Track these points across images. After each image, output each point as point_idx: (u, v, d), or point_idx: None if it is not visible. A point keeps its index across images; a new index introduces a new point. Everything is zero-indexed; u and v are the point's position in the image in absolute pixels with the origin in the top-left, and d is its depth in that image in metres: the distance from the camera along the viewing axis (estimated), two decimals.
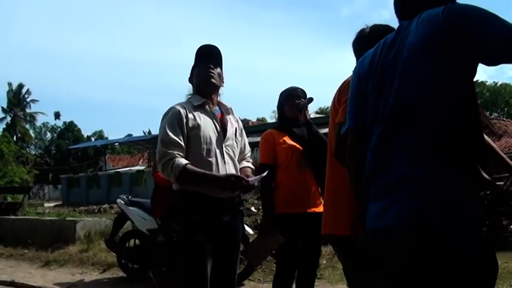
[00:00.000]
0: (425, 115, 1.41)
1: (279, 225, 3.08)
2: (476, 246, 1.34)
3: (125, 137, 45.34)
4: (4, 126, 48.97)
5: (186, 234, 2.48)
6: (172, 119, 2.55)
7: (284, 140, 3.23)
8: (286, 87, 3.48)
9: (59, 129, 57.25)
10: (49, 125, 57.72)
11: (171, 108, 2.62)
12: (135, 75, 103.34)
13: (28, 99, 52.41)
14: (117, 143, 42.60)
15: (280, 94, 3.43)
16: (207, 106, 2.65)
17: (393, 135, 1.47)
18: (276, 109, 3.48)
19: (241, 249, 2.77)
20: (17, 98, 51.80)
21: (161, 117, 2.66)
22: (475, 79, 1.50)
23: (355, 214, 1.86)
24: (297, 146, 3.22)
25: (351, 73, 2.09)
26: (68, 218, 9.55)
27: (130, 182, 26.10)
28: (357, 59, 2.04)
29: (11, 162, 33.22)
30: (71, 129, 56.16)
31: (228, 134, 2.65)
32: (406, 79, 1.47)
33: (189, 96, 2.78)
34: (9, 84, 52.14)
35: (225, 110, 2.75)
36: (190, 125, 2.53)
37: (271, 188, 3.14)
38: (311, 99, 3.26)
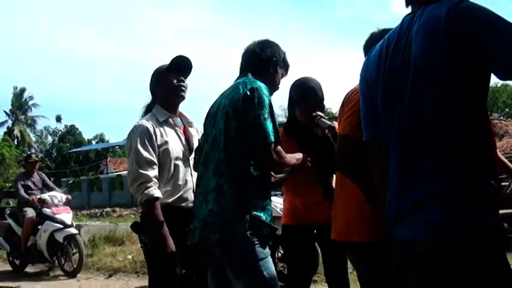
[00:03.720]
0: (441, 134, 1.39)
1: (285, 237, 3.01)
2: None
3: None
4: (5, 130, 49.05)
5: (152, 245, 2.49)
6: (143, 136, 2.54)
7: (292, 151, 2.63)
8: (299, 77, 2.91)
9: (60, 132, 57.22)
10: (50, 129, 57.73)
11: (138, 125, 2.59)
12: (135, 77, 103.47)
13: (30, 103, 52.54)
14: (118, 146, 42.69)
15: (294, 90, 2.88)
16: (171, 120, 2.68)
17: (413, 155, 1.45)
18: (287, 108, 2.97)
19: None
20: (19, 101, 51.90)
21: (128, 133, 2.63)
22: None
23: (366, 222, 1.95)
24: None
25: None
26: None
27: None
28: None
29: (12, 166, 33.31)
30: (72, 133, 56.09)
31: (193, 147, 2.66)
32: (417, 99, 1.43)
33: (145, 107, 2.77)
34: (15, 88, 52.41)
35: (187, 123, 2.78)
36: (159, 142, 2.55)
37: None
38: (333, 128, 2.57)
